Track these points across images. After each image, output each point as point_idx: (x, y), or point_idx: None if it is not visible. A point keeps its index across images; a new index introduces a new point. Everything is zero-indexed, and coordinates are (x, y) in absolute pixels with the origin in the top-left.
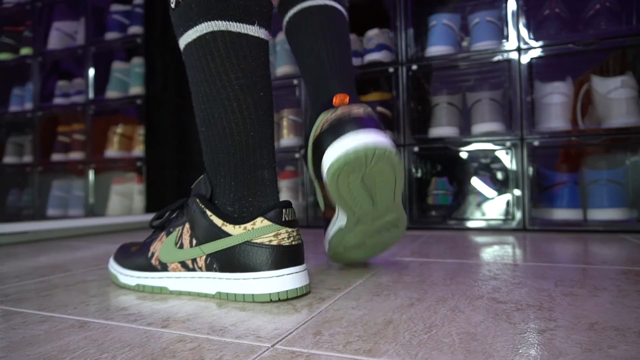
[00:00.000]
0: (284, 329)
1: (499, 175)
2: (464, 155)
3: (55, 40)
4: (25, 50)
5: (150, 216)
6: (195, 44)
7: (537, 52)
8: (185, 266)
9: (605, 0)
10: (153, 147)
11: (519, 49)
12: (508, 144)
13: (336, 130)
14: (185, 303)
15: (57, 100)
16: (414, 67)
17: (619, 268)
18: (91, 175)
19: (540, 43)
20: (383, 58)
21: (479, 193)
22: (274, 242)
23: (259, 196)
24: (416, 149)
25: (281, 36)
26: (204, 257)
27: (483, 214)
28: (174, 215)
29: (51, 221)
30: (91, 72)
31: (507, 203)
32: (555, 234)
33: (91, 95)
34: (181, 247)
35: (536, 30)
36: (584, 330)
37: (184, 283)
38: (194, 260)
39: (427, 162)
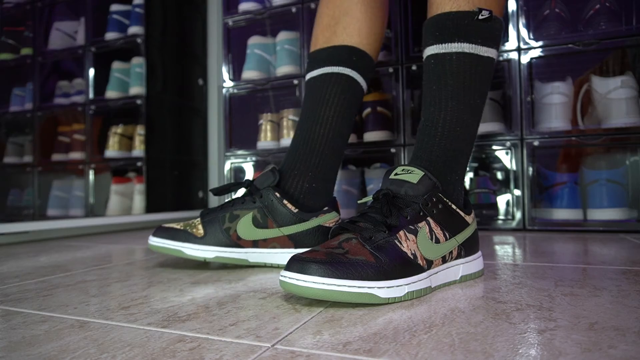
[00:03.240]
0: (284, 329)
1: (499, 175)
2: None
3: (55, 40)
4: (25, 50)
5: (150, 216)
6: (487, 61)
7: (537, 52)
8: (443, 259)
9: (605, 0)
10: (153, 147)
11: (519, 49)
12: (508, 144)
13: None
14: (185, 303)
15: (57, 100)
16: (414, 67)
17: (619, 268)
18: (91, 175)
19: (540, 43)
20: (383, 58)
21: (478, 193)
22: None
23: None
24: None
25: (282, 36)
26: (457, 247)
27: (483, 214)
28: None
29: (51, 221)
30: (91, 72)
31: (507, 203)
32: (555, 234)
33: (91, 95)
34: (437, 242)
35: (536, 30)
36: (584, 330)
37: (440, 276)
38: (450, 252)
39: None
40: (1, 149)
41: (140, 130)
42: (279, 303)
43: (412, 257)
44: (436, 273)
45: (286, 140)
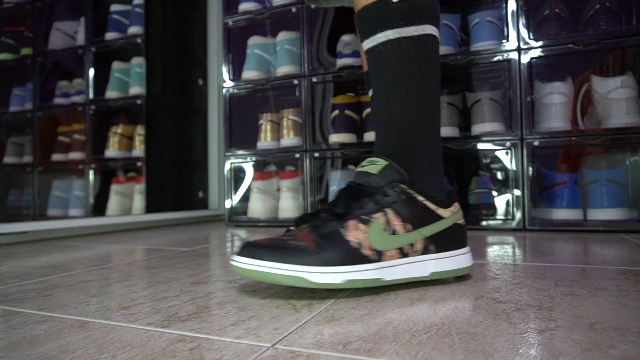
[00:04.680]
0: (284, 329)
1: (499, 175)
2: (463, 155)
3: (55, 40)
4: (25, 50)
5: (150, 216)
6: (419, 40)
7: (537, 52)
8: (401, 252)
9: (605, 0)
10: (153, 147)
11: (519, 49)
12: (508, 144)
13: None
14: (185, 303)
15: (57, 100)
16: None
17: (619, 268)
18: (91, 175)
19: (540, 43)
20: None
21: (478, 193)
22: (463, 223)
23: (442, 180)
24: None
25: (282, 36)
26: (422, 241)
27: (483, 214)
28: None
29: (51, 221)
30: (91, 72)
31: (507, 203)
32: (555, 234)
33: (91, 95)
34: (394, 233)
35: (536, 30)
36: (584, 330)
37: (398, 270)
38: (411, 245)
39: None
40: (1, 149)
41: (140, 130)
42: (279, 303)
43: (356, 246)
44: (391, 266)
45: (286, 140)
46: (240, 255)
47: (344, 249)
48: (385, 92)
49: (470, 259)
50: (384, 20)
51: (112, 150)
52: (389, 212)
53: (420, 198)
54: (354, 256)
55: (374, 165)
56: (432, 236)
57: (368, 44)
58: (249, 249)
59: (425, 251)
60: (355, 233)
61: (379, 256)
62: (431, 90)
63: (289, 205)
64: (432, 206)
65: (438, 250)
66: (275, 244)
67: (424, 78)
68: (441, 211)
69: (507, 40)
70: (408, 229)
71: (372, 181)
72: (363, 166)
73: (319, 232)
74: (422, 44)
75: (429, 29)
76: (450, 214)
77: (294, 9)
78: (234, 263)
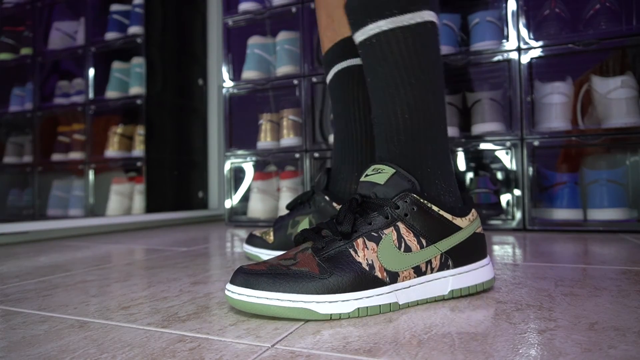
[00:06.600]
0: (284, 329)
1: (499, 175)
2: (464, 155)
3: (55, 40)
4: (25, 50)
5: (150, 216)
6: (417, 29)
7: (537, 52)
8: (417, 271)
9: (605, 0)
10: (153, 147)
11: (519, 49)
12: (508, 144)
13: None
14: (185, 303)
15: (57, 100)
16: None
17: (619, 268)
18: (91, 175)
19: (540, 43)
20: None
21: (478, 193)
22: (482, 231)
23: (454, 184)
24: None
25: (282, 36)
26: (439, 256)
27: (483, 214)
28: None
29: (51, 221)
30: (91, 72)
31: (507, 203)
32: (555, 234)
33: (91, 95)
34: (408, 250)
35: (536, 30)
36: (584, 330)
37: (414, 292)
38: (428, 262)
39: None
40: (1, 149)
41: (140, 130)
42: None
43: (367, 268)
44: (407, 288)
45: (286, 140)
46: (234, 284)
47: (353, 272)
48: (382, 91)
49: (491, 271)
50: (375, 9)
51: (112, 150)
52: (401, 226)
53: (435, 208)
54: (366, 280)
55: (380, 174)
56: (450, 250)
57: (359, 36)
58: (243, 277)
59: (442, 267)
60: (365, 253)
61: (392, 278)
62: (434, 84)
63: None
64: (448, 216)
65: (456, 265)
66: (274, 271)
67: (424, 72)
68: (458, 221)
69: (507, 40)
70: (424, 244)
71: (378, 192)
72: (367, 175)
73: (324, 254)
74: (420, 34)
75: (427, 15)
76: (469, 223)
77: (294, 9)
78: (228, 293)
